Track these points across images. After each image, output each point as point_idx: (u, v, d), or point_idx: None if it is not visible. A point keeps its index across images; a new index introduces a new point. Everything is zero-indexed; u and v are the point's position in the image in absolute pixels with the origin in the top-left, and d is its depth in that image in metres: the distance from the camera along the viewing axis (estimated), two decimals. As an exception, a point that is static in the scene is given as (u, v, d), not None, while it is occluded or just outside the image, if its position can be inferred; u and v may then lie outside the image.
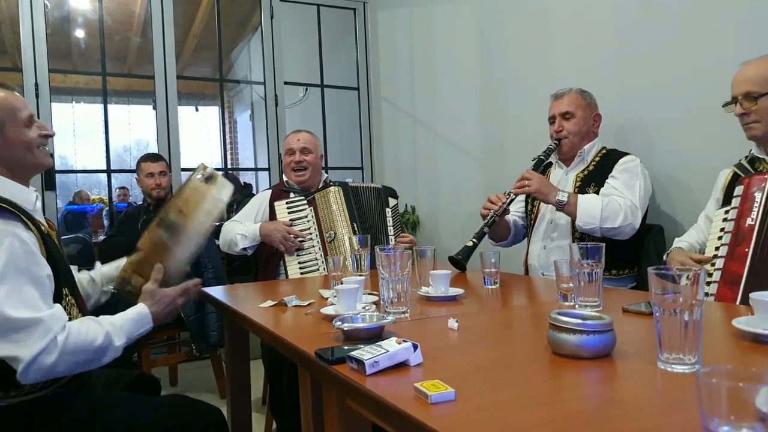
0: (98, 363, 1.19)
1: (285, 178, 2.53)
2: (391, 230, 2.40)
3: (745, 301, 1.40)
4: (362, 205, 2.39)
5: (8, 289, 1.07)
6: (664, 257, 1.73)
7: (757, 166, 1.60)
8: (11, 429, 1.17)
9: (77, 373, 1.20)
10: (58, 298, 1.18)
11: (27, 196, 1.24)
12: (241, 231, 2.32)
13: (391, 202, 2.48)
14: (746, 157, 1.65)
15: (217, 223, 1.74)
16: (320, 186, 2.49)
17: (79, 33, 5.54)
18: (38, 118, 3.16)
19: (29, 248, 1.12)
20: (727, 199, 1.62)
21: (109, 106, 3.43)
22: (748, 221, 1.49)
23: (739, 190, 1.56)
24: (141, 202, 3.12)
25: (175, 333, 2.96)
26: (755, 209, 1.48)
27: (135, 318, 1.28)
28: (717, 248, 1.56)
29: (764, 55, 1.58)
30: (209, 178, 1.48)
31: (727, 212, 1.58)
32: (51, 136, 1.33)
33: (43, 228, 1.22)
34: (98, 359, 1.18)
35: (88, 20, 5.25)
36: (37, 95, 3.05)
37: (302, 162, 2.43)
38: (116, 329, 1.22)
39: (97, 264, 1.59)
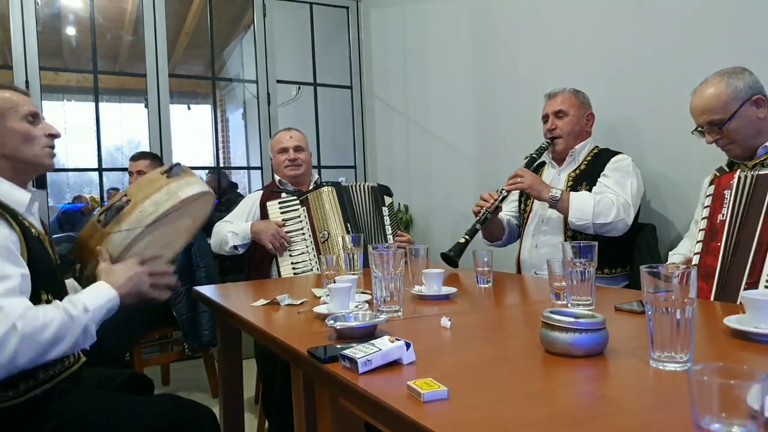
0: (67, 340, 1.11)
1: (277, 178, 2.52)
2: (388, 229, 2.40)
3: (720, 293, 1.47)
4: (355, 205, 2.39)
5: None
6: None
7: (736, 168, 1.62)
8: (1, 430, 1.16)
9: (47, 361, 1.12)
10: (34, 300, 1.15)
11: (20, 197, 1.24)
12: (232, 229, 2.32)
13: (387, 200, 2.48)
14: (727, 161, 1.69)
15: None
16: (312, 186, 2.48)
17: (70, 31, 5.50)
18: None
19: (9, 243, 1.11)
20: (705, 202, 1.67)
21: (101, 105, 3.40)
22: (719, 217, 1.54)
23: (710, 189, 1.63)
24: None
25: (167, 332, 2.94)
26: (725, 206, 1.54)
27: (90, 289, 1.22)
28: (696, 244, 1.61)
29: (711, 77, 1.61)
30: (172, 173, 1.40)
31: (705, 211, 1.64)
32: (57, 136, 1.34)
33: (33, 231, 1.22)
34: (63, 337, 1.10)
35: (79, 18, 5.21)
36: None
37: (296, 160, 2.44)
38: (71, 302, 1.15)
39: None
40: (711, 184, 1.65)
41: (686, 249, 1.78)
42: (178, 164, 1.43)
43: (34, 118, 1.30)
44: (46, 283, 1.21)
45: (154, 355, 3.05)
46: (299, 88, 4.08)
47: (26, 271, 1.14)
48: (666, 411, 0.70)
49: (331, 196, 2.36)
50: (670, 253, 1.84)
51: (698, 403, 0.55)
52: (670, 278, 0.83)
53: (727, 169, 1.65)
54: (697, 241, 1.59)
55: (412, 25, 3.59)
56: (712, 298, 1.47)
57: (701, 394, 0.54)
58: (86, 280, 1.35)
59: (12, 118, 1.26)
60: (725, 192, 1.56)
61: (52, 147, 1.33)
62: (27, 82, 3.02)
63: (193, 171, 1.49)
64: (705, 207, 1.62)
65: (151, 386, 1.62)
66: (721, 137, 1.59)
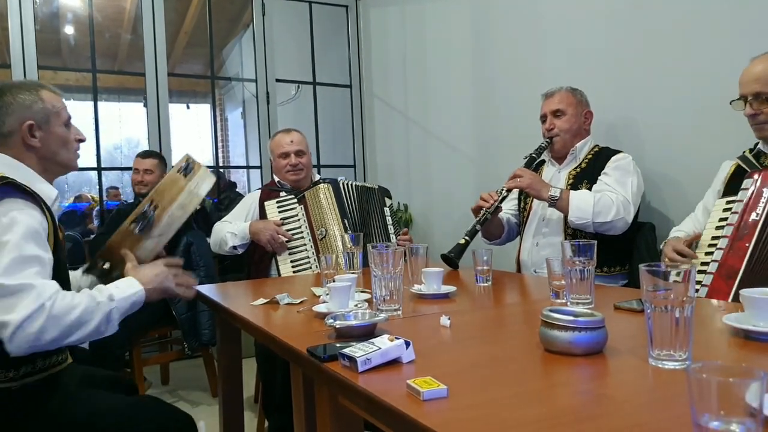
0: (91, 324, 1.16)
1: (276, 178, 2.52)
2: (391, 228, 2.41)
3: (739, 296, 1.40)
4: (353, 202, 2.39)
5: (12, 258, 1.09)
6: (661, 246, 1.74)
7: (763, 160, 1.58)
8: None
9: (66, 345, 1.18)
10: None
11: (49, 192, 1.30)
12: (231, 230, 2.32)
13: (387, 201, 2.50)
14: (751, 150, 1.63)
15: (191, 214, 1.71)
16: (310, 184, 2.48)
17: (69, 30, 5.49)
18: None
19: (41, 229, 1.17)
20: (729, 191, 1.60)
21: (100, 104, 3.40)
22: (753, 216, 1.46)
23: (747, 182, 1.52)
24: (133, 200, 3.10)
25: (166, 331, 2.94)
26: (762, 204, 1.45)
27: (118, 283, 1.28)
28: (715, 238, 1.54)
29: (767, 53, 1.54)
30: (188, 170, 1.45)
31: (729, 203, 1.56)
32: (83, 140, 1.42)
33: (60, 234, 1.28)
34: (88, 321, 1.16)
35: (77, 17, 5.20)
36: (26, 92, 3.02)
37: (298, 165, 2.44)
38: (98, 290, 1.22)
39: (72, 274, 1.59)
40: (744, 175, 1.56)
41: (689, 228, 1.76)
42: (189, 160, 1.48)
43: (69, 122, 1.38)
44: (60, 274, 1.25)
45: (153, 355, 3.05)
46: (298, 87, 4.08)
47: (52, 257, 1.18)
48: (665, 409, 0.70)
49: (327, 194, 2.36)
50: (673, 228, 1.82)
51: (697, 402, 0.55)
52: (670, 277, 0.83)
53: (754, 160, 1.59)
54: (722, 236, 1.52)
55: (412, 24, 3.59)
56: (730, 299, 1.40)
57: (700, 392, 0.54)
58: (116, 280, 1.39)
59: (55, 123, 1.34)
60: (764, 190, 1.47)
61: (78, 149, 1.41)
62: (26, 81, 3.01)
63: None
64: (738, 201, 1.52)
65: (136, 390, 1.62)
66: (763, 113, 1.52)
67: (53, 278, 1.20)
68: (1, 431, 1.19)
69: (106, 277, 1.45)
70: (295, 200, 2.35)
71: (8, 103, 1.28)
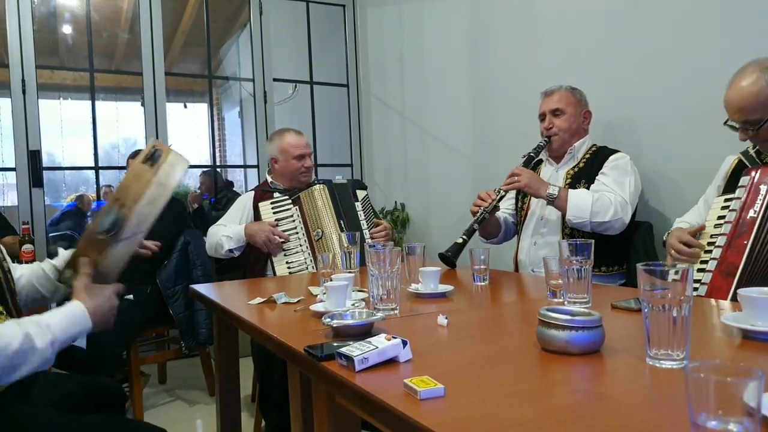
0: (23, 369, 1.03)
1: (270, 179, 2.51)
2: (364, 224, 2.37)
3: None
4: (348, 202, 2.38)
5: None
6: (664, 237, 1.73)
7: (764, 157, 1.57)
8: None
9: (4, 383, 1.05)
10: None
11: None
12: (226, 233, 2.31)
13: (360, 194, 2.44)
14: (754, 146, 1.61)
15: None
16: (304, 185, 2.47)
17: (66, 29, 5.48)
18: (25, 114, 3.13)
19: None
20: (729, 187, 1.59)
21: (97, 103, 3.40)
22: (751, 213, 1.45)
23: (744, 180, 1.51)
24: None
25: (164, 330, 2.94)
26: (759, 202, 1.45)
27: (66, 314, 1.14)
28: (714, 236, 1.54)
29: (749, 68, 1.51)
30: (155, 159, 1.29)
31: (728, 200, 1.55)
32: None
33: None
34: (19, 365, 1.02)
35: (75, 16, 5.19)
36: (24, 91, 3.01)
37: (311, 167, 2.46)
38: (40, 329, 1.07)
39: (61, 251, 1.46)
40: (737, 169, 1.55)
41: (693, 219, 1.75)
42: (156, 147, 1.32)
43: None
44: None
45: (150, 353, 3.05)
46: (296, 86, 4.07)
47: None
48: (662, 408, 0.70)
49: (323, 194, 2.35)
50: (677, 219, 1.80)
51: (695, 401, 0.55)
52: (667, 276, 0.83)
53: (755, 156, 1.57)
54: (720, 234, 1.51)
55: (409, 24, 3.58)
56: (728, 298, 1.40)
57: (698, 391, 0.54)
58: (60, 276, 1.30)
59: None
60: (761, 186, 1.45)
61: None
62: (23, 80, 3.00)
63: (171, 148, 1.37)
64: (736, 198, 1.51)
65: (123, 398, 1.54)
66: (757, 137, 1.51)
67: None
68: None
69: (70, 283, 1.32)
70: (290, 201, 2.34)
71: None
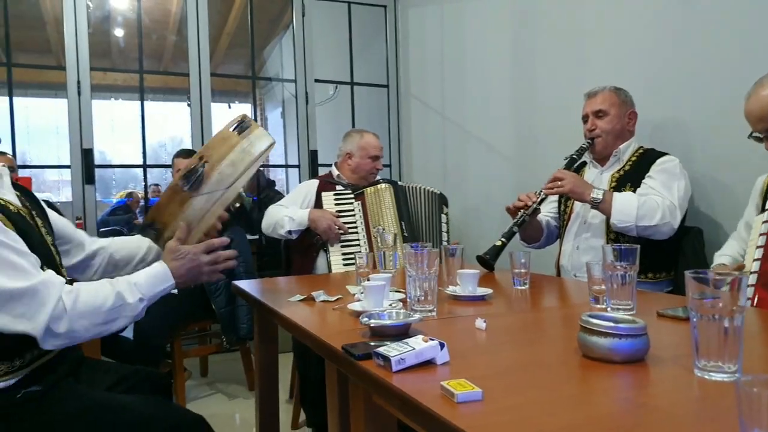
0: (119, 322, 1.18)
1: (335, 173, 2.57)
2: (445, 236, 2.44)
3: None
4: (411, 206, 2.43)
5: None
6: None
7: None
8: None
9: (101, 335, 1.18)
10: None
11: None
12: (289, 214, 2.36)
13: (444, 209, 2.55)
14: None
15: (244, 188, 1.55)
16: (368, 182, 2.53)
17: (119, 32, 5.70)
18: (80, 114, 3.26)
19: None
20: (765, 204, 1.57)
21: (146, 103, 3.51)
22: None
23: None
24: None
25: (206, 325, 3.02)
26: None
27: (152, 273, 1.26)
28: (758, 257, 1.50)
29: (763, 79, 1.52)
30: (242, 128, 1.36)
31: (766, 222, 1.53)
32: None
33: (12, 207, 1.18)
34: (115, 320, 1.17)
35: (127, 19, 5.40)
36: (78, 93, 3.15)
37: (380, 169, 2.59)
38: (129, 286, 1.20)
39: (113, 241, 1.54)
40: None
41: (733, 250, 1.70)
42: (245, 118, 1.40)
43: None
44: (40, 256, 1.18)
45: (193, 347, 3.13)
46: (336, 87, 4.11)
47: (24, 245, 1.13)
48: (711, 423, 0.68)
49: (389, 194, 2.41)
50: (716, 254, 1.77)
51: (747, 416, 0.52)
52: (719, 285, 0.80)
53: None
54: (757, 247, 1.49)
55: (450, 24, 3.56)
56: None
57: (750, 406, 0.52)
58: (165, 243, 1.37)
59: None
60: None
61: None
62: (79, 82, 3.14)
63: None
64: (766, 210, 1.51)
65: (168, 384, 1.61)
66: None
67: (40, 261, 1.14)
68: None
69: (159, 239, 1.42)
70: (352, 196, 2.41)
71: None
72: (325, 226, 2.29)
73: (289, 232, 2.36)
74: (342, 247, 2.32)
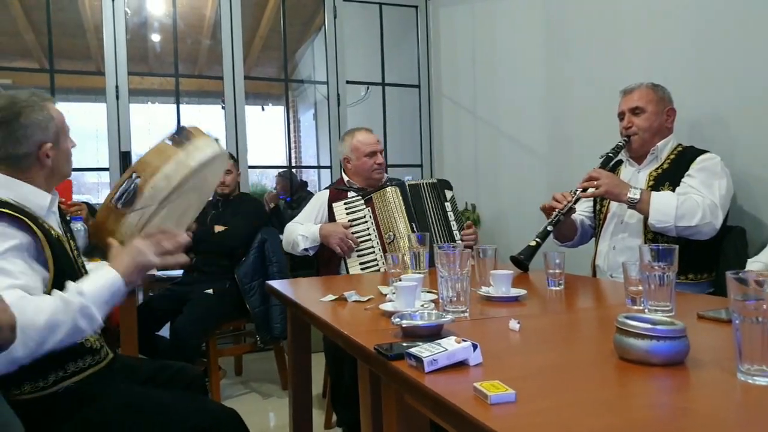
0: (61, 330, 1.07)
1: (346, 177, 2.56)
2: (454, 225, 2.37)
3: None
4: (420, 204, 2.38)
5: None
6: None
7: None
8: (29, 425, 1.13)
9: (49, 351, 1.08)
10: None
11: (41, 200, 1.29)
12: (302, 232, 2.38)
13: (448, 194, 2.45)
14: None
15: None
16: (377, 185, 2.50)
17: (155, 37, 5.85)
18: (118, 118, 3.37)
19: (13, 245, 1.13)
20: None
21: (181, 107, 3.60)
22: None
23: None
24: (211, 199, 3.25)
25: (241, 324, 3.07)
26: None
27: (93, 274, 1.20)
28: None
29: None
30: (180, 140, 1.30)
31: None
32: (74, 146, 1.40)
33: (53, 233, 1.24)
34: (58, 325, 1.07)
35: (163, 24, 5.53)
36: (117, 97, 3.25)
37: (383, 163, 2.50)
38: (70, 289, 1.13)
39: None
40: None
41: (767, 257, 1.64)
42: (182, 128, 1.34)
43: (68, 131, 1.36)
44: (68, 278, 1.19)
45: (228, 346, 3.20)
46: (368, 88, 4.12)
47: (35, 273, 1.15)
48: (755, 428, 0.65)
49: (394, 195, 2.36)
50: (749, 260, 1.70)
51: (793, 422, 0.50)
52: (762, 285, 0.77)
53: None
54: None
55: (482, 23, 3.54)
56: None
57: (797, 411, 0.50)
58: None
59: (64, 139, 1.34)
60: None
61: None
62: (117, 86, 3.24)
63: (205, 132, 1.40)
64: None
65: (203, 380, 1.64)
66: None
67: (56, 287, 1.15)
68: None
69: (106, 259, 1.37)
70: (362, 202, 2.37)
71: (24, 126, 1.25)
72: (336, 241, 2.27)
73: (306, 249, 2.37)
74: (359, 256, 2.30)
